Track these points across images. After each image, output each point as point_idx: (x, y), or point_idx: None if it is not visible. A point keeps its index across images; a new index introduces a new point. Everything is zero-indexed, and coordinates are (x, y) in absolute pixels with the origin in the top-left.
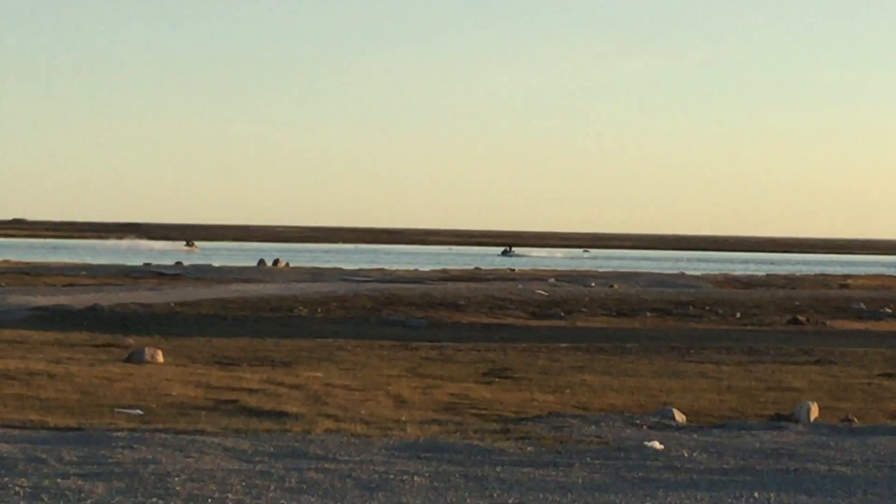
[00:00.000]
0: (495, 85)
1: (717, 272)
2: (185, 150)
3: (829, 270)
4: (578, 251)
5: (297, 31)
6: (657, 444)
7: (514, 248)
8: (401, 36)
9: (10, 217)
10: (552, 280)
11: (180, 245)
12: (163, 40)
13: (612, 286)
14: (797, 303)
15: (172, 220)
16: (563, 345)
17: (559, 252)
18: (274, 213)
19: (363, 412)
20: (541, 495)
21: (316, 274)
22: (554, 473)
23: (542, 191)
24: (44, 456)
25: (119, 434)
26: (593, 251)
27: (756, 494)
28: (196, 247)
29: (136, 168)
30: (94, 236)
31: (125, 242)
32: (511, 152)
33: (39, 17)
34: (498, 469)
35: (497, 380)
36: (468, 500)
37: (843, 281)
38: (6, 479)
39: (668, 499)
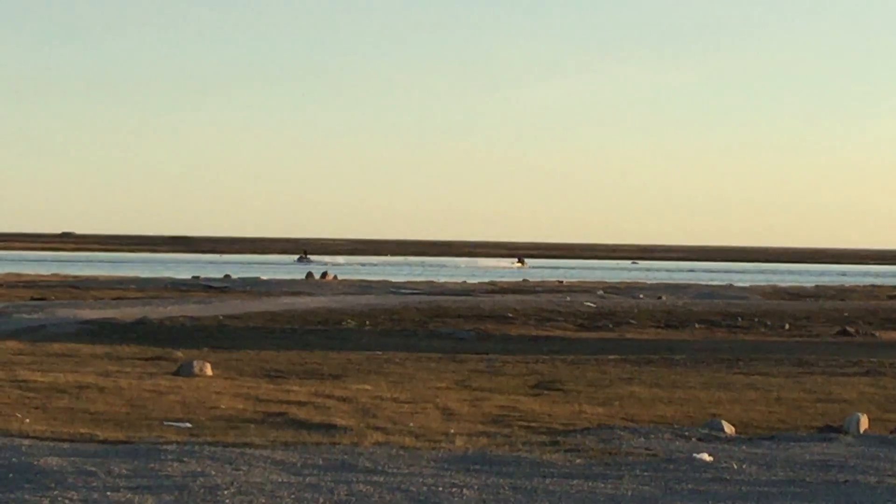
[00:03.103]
0: (542, 97)
1: (765, 283)
2: (234, 165)
3: (879, 282)
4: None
5: (345, 43)
6: (706, 456)
7: (308, 255)
8: (445, 44)
9: (58, 231)
10: (601, 292)
11: (511, 262)
12: (212, 56)
13: (660, 297)
14: (846, 314)
15: (220, 234)
16: (612, 356)
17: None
18: (323, 225)
19: (412, 425)
20: None
21: (364, 286)
22: (603, 486)
23: (589, 203)
24: (93, 469)
25: (168, 447)
26: (640, 263)
27: None
28: (526, 264)
29: (186, 181)
30: (144, 250)
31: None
32: (558, 164)
33: (91, 29)
34: (547, 481)
35: (546, 392)
36: None
37: (892, 292)
38: (56, 492)
39: None
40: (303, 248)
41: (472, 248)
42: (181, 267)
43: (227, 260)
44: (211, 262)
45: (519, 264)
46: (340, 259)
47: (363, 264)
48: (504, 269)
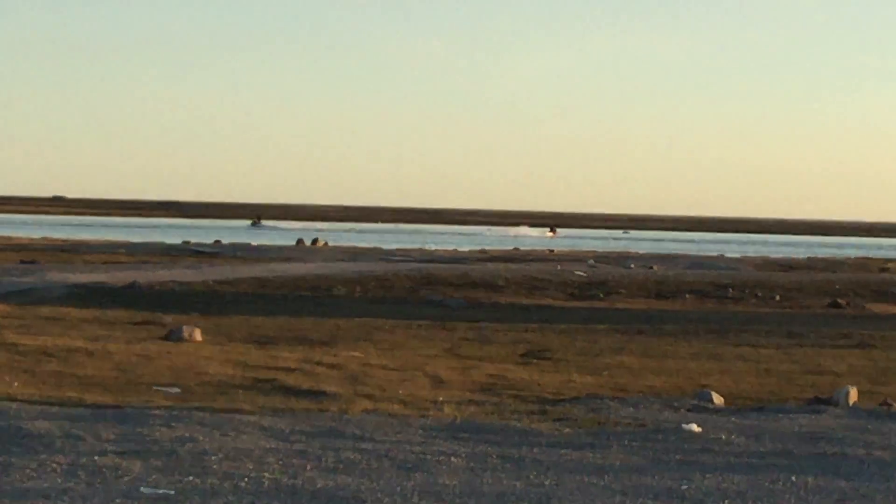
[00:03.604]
0: (535, 67)
1: (756, 254)
2: (225, 129)
3: (870, 254)
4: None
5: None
6: (695, 427)
7: (261, 220)
8: (446, 17)
9: (49, 194)
10: (591, 261)
11: (543, 231)
12: (202, 20)
13: (651, 268)
14: (837, 286)
15: (211, 199)
16: (602, 326)
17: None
18: (313, 193)
19: (401, 392)
20: (578, 477)
21: (355, 253)
22: (591, 455)
23: (582, 172)
24: (81, 433)
25: (157, 412)
26: (632, 232)
27: (794, 478)
28: (557, 233)
29: (175, 146)
30: (133, 214)
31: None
32: (550, 134)
33: None
34: (535, 450)
35: (535, 361)
36: (505, 482)
37: (883, 265)
38: (44, 456)
39: (706, 481)
40: (256, 213)
41: (463, 216)
42: (171, 231)
43: (179, 224)
44: (201, 227)
45: (551, 233)
46: (294, 224)
47: (320, 229)
48: (535, 238)
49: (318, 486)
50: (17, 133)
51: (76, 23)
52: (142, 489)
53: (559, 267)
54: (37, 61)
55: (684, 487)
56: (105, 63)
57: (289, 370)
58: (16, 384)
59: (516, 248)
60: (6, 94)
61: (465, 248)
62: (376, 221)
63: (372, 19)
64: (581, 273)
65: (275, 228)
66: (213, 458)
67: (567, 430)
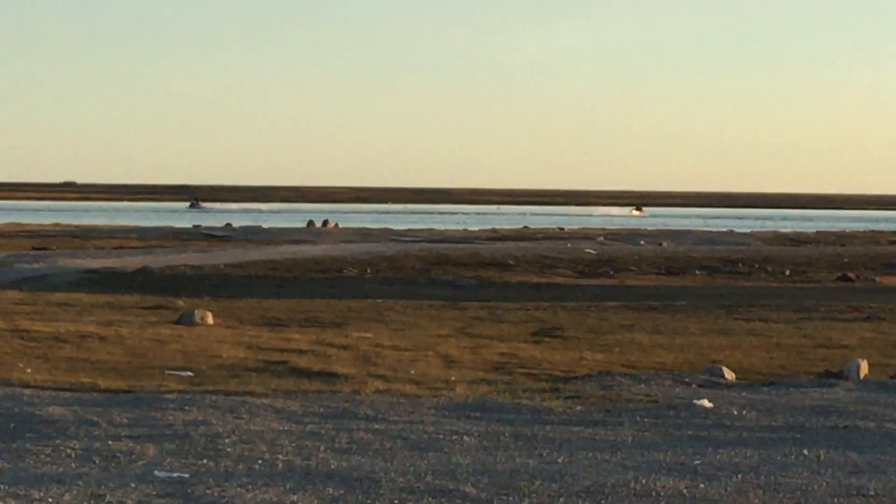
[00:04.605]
0: (542, 45)
1: (766, 229)
2: (237, 113)
3: (879, 227)
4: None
5: None
6: (706, 403)
7: (200, 202)
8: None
9: (60, 180)
10: (601, 238)
11: (629, 210)
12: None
13: (661, 244)
14: (847, 259)
15: (223, 182)
16: (613, 303)
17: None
18: (323, 175)
19: (412, 372)
20: (590, 454)
21: (365, 234)
22: (603, 432)
23: (593, 149)
24: (95, 418)
25: (169, 396)
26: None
27: (805, 452)
28: (644, 211)
29: (187, 131)
30: (145, 199)
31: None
32: (559, 111)
33: None
34: (547, 428)
35: (546, 339)
36: (517, 460)
37: (893, 237)
38: (58, 441)
39: (718, 456)
40: (194, 194)
41: (472, 196)
42: (182, 216)
43: (114, 207)
44: (209, 213)
45: (637, 212)
46: (233, 206)
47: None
48: (622, 217)
49: (332, 466)
50: (28, 120)
51: (87, 8)
52: (156, 473)
53: (569, 245)
54: (47, 48)
55: (696, 463)
56: (115, 49)
57: (301, 352)
58: (29, 370)
59: (526, 227)
60: (17, 82)
61: (476, 228)
62: (386, 202)
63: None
64: (591, 251)
65: (211, 210)
66: (226, 440)
67: (579, 407)
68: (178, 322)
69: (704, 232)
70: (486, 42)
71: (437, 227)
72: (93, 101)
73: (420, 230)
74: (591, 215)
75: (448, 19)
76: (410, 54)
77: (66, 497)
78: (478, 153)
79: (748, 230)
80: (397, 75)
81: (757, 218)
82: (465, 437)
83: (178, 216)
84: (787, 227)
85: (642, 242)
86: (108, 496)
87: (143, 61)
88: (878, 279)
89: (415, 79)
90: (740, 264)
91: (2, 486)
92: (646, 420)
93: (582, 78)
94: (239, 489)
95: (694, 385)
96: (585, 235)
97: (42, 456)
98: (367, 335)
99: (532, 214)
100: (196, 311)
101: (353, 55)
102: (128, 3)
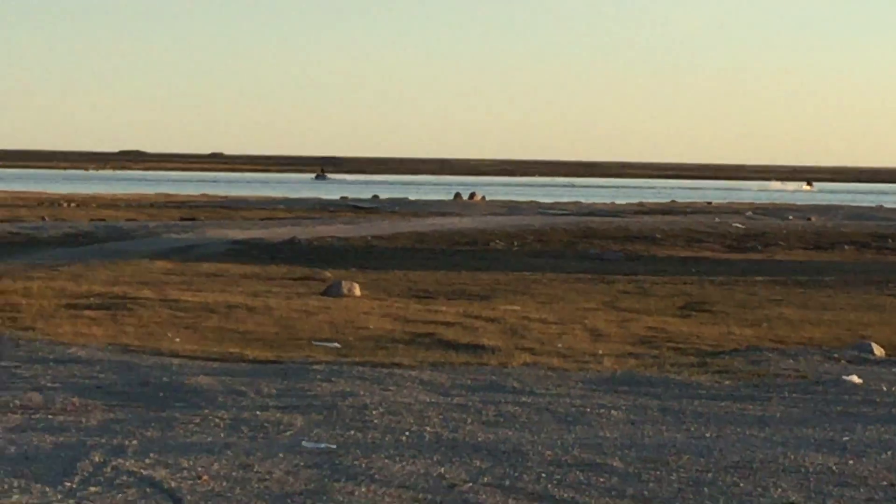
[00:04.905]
0: (685, 18)
1: None
2: (385, 86)
3: None
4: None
5: None
6: (856, 378)
7: (326, 173)
8: None
9: (208, 151)
10: (749, 213)
11: (800, 185)
12: None
13: (809, 219)
14: None
15: (368, 154)
16: (760, 278)
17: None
18: (470, 147)
19: (560, 345)
20: (738, 429)
21: (512, 207)
22: (751, 407)
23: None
24: (243, 388)
25: (317, 367)
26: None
27: None
28: (814, 186)
29: (334, 103)
30: (291, 170)
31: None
32: (706, 86)
33: None
34: (695, 403)
35: (694, 313)
36: (665, 434)
37: None
38: (207, 411)
39: (867, 433)
40: (320, 165)
41: (620, 170)
42: (329, 187)
43: (218, 178)
44: (357, 183)
45: (808, 187)
46: (350, 178)
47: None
48: (793, 192)
49: (479, 439)
50: (177, 92)
51: None
52: (303, 443)
53: (717, 219)
54: (195, 24)
55: (846, 439)
56: (264, 22)
57: (448, 324)
58: (178, 340)
59: (673, 201)
60: (167, 55)
61: (623, 202)
62: (532, 175)
63: None
64: (739, 225)
65: (338, 181)
66: (373, 412)
67: (727, 382)
68: (325, 293)
69: (853, 207)
70: (636, 15)
71: (583, 200)
72: (240, 74)
73: (567, 203)
74: (766, 190)
75: None
76: (559, 29)
77: (215, 466)
78: (624, 126)
79: None
80: (547, 50)
81: None
82: (612, 411)
83: (325, 187)
84: None
85: (790, 217)
86: (255, 466)
87: (293, 31)
88: None
89: (564, 53)
90: (890, 240)
91: (151, 455)
92: (794, 395)
93: (740, 49)
94: (386, 460)
95: (843, 361)
96: (733, 210)
97: (191, 425)
98: (515, 308)
99: (679, 188)
100: (343, 283)
101: (501, 30)
102: None
